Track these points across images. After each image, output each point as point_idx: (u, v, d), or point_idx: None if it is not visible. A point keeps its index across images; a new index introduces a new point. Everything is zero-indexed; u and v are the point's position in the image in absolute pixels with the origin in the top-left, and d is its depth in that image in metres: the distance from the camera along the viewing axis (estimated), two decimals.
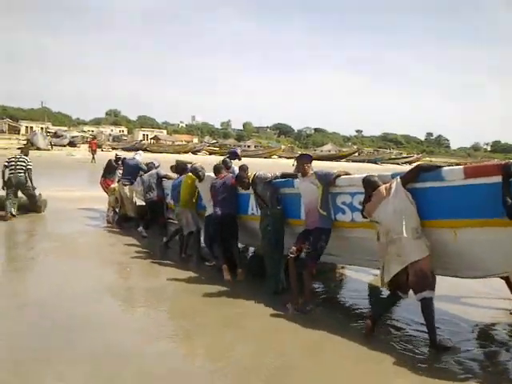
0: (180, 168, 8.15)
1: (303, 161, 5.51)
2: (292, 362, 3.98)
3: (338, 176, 5.31)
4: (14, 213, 10.10)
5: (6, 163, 10.47)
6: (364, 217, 4.82)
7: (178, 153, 42.57)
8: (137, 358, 3.96)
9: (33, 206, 10.82)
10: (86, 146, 40.46)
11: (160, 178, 9.15)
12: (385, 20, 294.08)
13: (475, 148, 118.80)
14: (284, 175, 6.17)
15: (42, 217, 10.78)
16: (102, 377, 3.63)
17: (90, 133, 64.20)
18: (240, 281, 6.29)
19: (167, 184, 9.06)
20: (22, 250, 7.95)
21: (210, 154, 50.39)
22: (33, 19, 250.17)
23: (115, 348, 4.13)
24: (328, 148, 75.14)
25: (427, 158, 62.47)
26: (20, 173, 10.30)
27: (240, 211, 6.79)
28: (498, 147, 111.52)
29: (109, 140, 59.06)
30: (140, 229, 9.18)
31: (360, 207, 5.00)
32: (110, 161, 11.68)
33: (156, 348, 4.15)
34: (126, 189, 9.86)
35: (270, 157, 48.30)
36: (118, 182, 10.29)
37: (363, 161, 46.38)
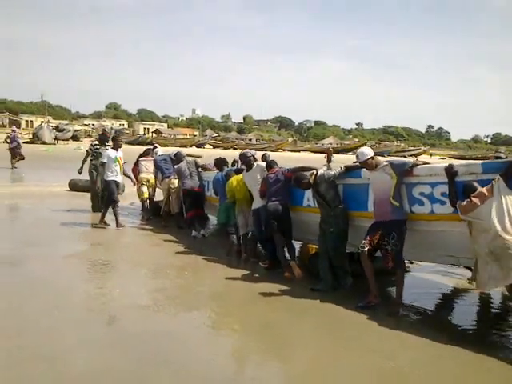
0: (221, 162, 7.93)
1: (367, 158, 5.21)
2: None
3: (416, 165, 5.05)
4: None
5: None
6: (454, 207, 4.52)
7: (184, 146, 42.02)
8: None
9: None
10: (89, 139, 39.95)
11: (198, 168, 8.77)
12: (386, 11, 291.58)
13: (475, 140, 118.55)
14: (348, 168, 5.82)
15: None
16: None
17: (92, 126, 63.64)
18: (299, 279, 5.92)
19: (205, 176, 8.77)
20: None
21: (214, 147, 50.03)
22: (31, 13, 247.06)
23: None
24: (329, 141, 74.16)
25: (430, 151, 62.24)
26: None
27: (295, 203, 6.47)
28: (498, 139, 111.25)
29: (111, 134, 58.41)
30: (194, 233, 8.36)
31: (442, 198, 4.75)
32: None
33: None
34: (176, 182, 9.09)
35: (276, 150, 47.86)
36: (166, 178, 9.27)
37: None
